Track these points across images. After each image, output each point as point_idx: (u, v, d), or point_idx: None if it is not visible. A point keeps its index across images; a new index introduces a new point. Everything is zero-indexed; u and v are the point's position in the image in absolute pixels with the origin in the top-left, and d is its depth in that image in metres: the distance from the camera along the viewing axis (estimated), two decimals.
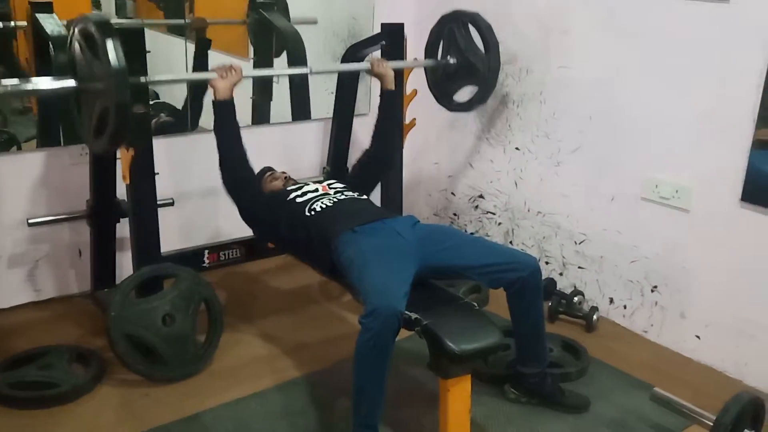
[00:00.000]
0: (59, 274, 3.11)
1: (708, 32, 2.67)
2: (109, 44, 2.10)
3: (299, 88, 3.62)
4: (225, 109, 2.55)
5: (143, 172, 2.60)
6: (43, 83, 2.25)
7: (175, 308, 2.54)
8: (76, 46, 2.25)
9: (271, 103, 3.61)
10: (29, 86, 2.28)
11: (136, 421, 2.35)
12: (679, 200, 2.85)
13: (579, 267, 3.27)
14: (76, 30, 2.23)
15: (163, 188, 2.77)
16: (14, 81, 2.23)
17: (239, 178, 2.62)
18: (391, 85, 2.85)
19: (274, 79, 3.60)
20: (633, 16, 2.90)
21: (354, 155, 3.55)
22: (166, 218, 2.80)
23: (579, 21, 3.11)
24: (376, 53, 3.14)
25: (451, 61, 3.15)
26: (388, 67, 2.85)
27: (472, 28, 3.09)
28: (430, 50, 3.21)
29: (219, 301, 2.74)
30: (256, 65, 3.50)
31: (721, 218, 2.73)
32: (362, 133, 3.62)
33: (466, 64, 3.11)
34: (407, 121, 3.32)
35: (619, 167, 3.04)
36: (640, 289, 3.04)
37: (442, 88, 3.25)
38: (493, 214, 3.64)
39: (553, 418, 2.45)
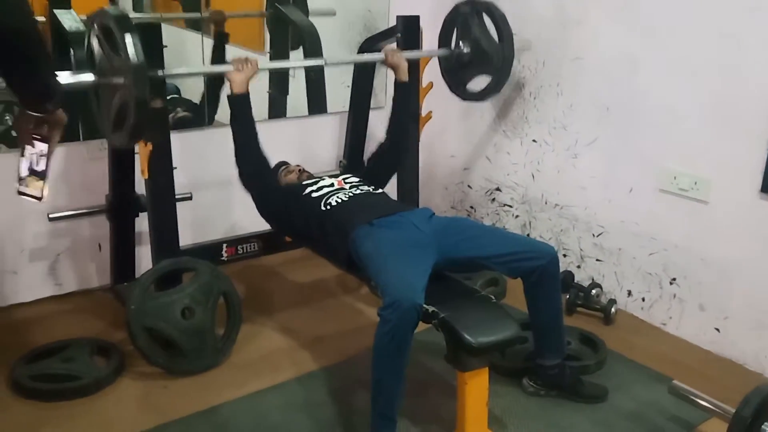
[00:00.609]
0: (80, 268, 3.15)
1: (726, 22, 2.64)
2: (128, 39, 2.12)
3: (315, 82, 3.62)
4: (241, 103, 2.56)
5: (161, 166, 2.62)
6: (63, 78, 2.26)
7: (194, 301, 2.56)
8: (95, 40, 2.27)
9: (288, 97, 3.62)
10: None
11: (155, 413, 2.38)
12: (698, 192, 2.83)
13: (597, 259, 3.25)
14: (95, 24, 2.25)
15: (181, 182, 2.79)
16: None
17: (255, 172, 2.64)
18: (405, 76, 2.85)
19: (291, 73, 3.61)
20: (649, 6, 2.88)
21: (371, 148, 3.56)
22: (184, 212, 2.82)
23: (594, 11, 3.09)
24: (392, 45, 3.13)
25: (465, 50, 3.13)
26: (402, 58, 2.85)
27: (486, 18, 3.08)
28: (443, 39, 3.20)
29: (237, 294, 2.76)
30: (272, 59, 3.51)
31: (740, 210, 2.71)
32: (378, 126, 3.62)
33: (480, 53, 3.09)
34: (423, 113, 3.32)
35: (637, 159, 3.02)
36: (658, 281, 3.02)
37: (455, 76, 3.23)
38: (510, 206, 3.63)
39: (571, 411, 2.45)
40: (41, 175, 1.56)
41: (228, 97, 2.57)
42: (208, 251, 2.88)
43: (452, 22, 3.16)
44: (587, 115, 3.19)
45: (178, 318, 2.53)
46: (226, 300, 2.70)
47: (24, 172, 1.55)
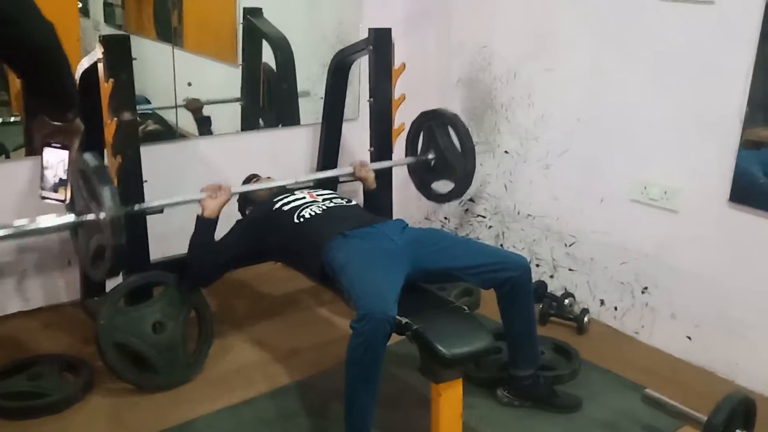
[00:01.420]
0: (48, 282, 3.10)
1: (694, 33, 2.68)
2: (106, 192, 2.24)
3: (288, 94, 3.61)
4: (207, 227, 2.58)
5: (131, 179, 2.59)
6: (46, 221, 2.38)
7: (165, 316, 2.53)
8: (74, 183, 2.35)
9: (260, 108, 3.61)
10: (32, 226, 2.37)
11: (126, 430, 2.34)
12: (668, 201, 2.86)
13: (569, 269, 3.27)
14: (75, 168, 2.35)
15: (151, 195, 2.76)
16: (22, 221, 2.37)
17: (202, 283, 2.69)
18: (373, 185, 2.95)
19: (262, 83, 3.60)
20: (618, 18, 2.91)
21: (343, 159, 3.56)
22: (155, 226, 2.78)
23: (565, 23, 3.12)
24: (360, 160, 3.10)
25: (430, 156, 3.28)
26: (370, 171, 2.96)
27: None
28: (411, 141, 3.33)
29: (209, 308, 2.74)
30: (244, 71, 3.50)
31: (709, 219, 2.74)
32: (351, 137, 3.63)
33: (444, 161, 3.24)
34: (396, 125, 3.32)
35: (608, 169, 3.05)
36: (630, 290, 3.05)
37: (421, 177, 3.37)
38: (484, 217, 3.65)
39: (545, 421, 2.45)
40: (64, 182, 1.65)
41: (198, 217, 2.59)
42: (179, 265, 2.84)
43: (419, 128, 3.29)
44: (558, 126, 3.21)
45: (149, 333, 2.50)
46: (198, 314, 2.68)
47: (49, 180, 1.64)
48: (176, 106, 3.27)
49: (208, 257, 2.58)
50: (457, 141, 3.19)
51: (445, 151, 3.23)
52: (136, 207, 2.54)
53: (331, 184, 3.17)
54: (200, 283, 2.68)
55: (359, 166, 2.96)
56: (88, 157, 2.33)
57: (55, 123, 1.62)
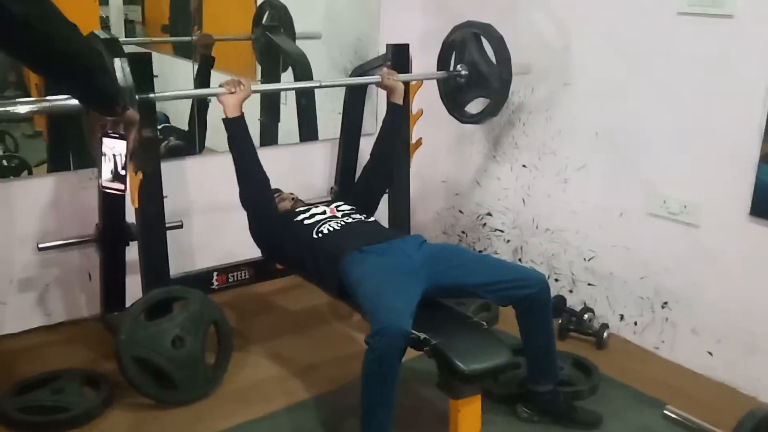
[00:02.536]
0: (69, 297, 3.13)
1: (713, 47, 2.67)
2: (117, 64, 2.22)
3: (306, 109, 3.64)
4: (236, 126, 2.52)
5: (152, 195, 2.61)
6: (58, 100, 2.24)
7: (184, 331, 2.54)
8: None
9: (279, 123, 3.63)
10: (44, 104, 2.31)
11: None
12: (688, 215, 2.84)
13: (588, 284, 3.25)
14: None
15: (171, 211, 2.79)
16: (30, 99, 2.42)
17: (256, 193, 2.59)
18: (400, 99, 2.85)
19: (282, 99, 3.63)
20: (636, 32, 2.91)
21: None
22: (174, 240, 2.81)
23: (582, 38, 3.12)
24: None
25: (463, 72, 3.13)
26: (398, 80, 2.86)
27: (484, 40, 3.08)
28: (442, 60, 3.20)
29: (228, 322, 2.75)
30: None
31: (730, 233, 2.72)
32: (369, 152, 3.64)
33: (478, 75, 3.09)
34: (414, 140, 3.33)
35: (627, 183, 3.03)
36: (650, 305, 3.02)
37: (453, 98, 3.23)
38: (502, 231, 3.64)
39: None
40: (122, 173, 1.71)
41: (223, 120, 2.53)
42: (199, 280, 2.87)
43: (451, 44, 3.16)
44: (576, 141, 3.21)
45: (169, 348, 2.51)
46: (217, 329, 2.69)
47: (108, 171, 1.69)
48: (197, 123, 3.30)
49: (252, 157, 2.53)
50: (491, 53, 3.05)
51: (478, 65, 3.07)
52: (150, 95, 2.46)
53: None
54: (249, 185, 2.56)
55: (386, 73, 2.87)
56: (99, 32, 2.36)
57: (107, 117, 1.66)
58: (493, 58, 3.04)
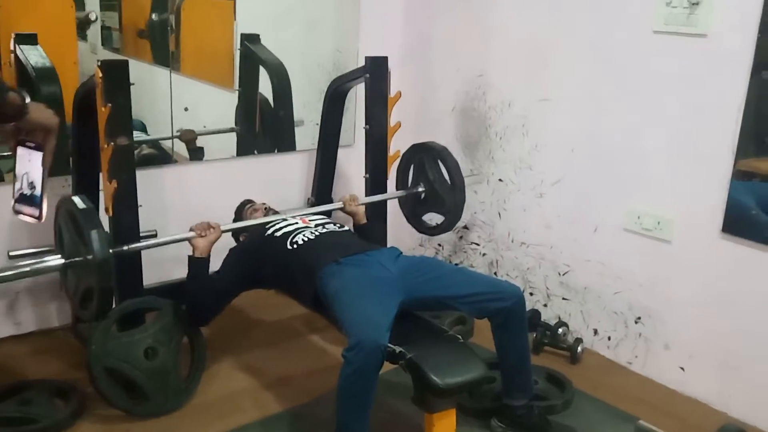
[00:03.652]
0: (40, 307, 3.08)
1: (687, 65, 2.71)
2: (94, 236, 2.29)
3: (284, 120, 3.63)
4: (201, 266, 2.58)
5: (126, 204, 2.59)
6: (35, 265, 2.45)
7: (157, 342, 2.51)
8: (63, 224, 2.44)
9: (255, 134, 3.62)
10: (23, 269, 2.44)
11: None
12: (661, 231, 2.87)
13: (563, 298, 3.27)
14: (63, 210, 2.44)
15: (146, 220, 2.76)
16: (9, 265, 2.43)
17: (206, 318, 2.66)
18: (363, 220, 2.97)
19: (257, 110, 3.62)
20: (612, 49, 2.94)
21: (338, 186, 3.57)
22: (148, 250, 2.78)
23: (559, 54, 3.15)
24: (350, 194, 3.12)
25: (420, 189, 3.31)
26: (360, 205, 2.98)
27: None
28: (401, 175, 3.36)
29: (202, 334, 2.72)
30: (241, 96, 3.51)
31: (702, 249, 2.75)
32: (347, 163, 3.65)
33: (434, 194, 3.27)
34: (391, 152, 3.34)
35: (602, 198, 3.06)
36: (624, 320, 3.05)
37: (411, 209, 3.40)
38: (478, 245, 3.65)
39: None
40: (37, 194, 1.34)
41: (189, 258, 2.59)
42: (173, 290, 2.83)
43: (409, 161, 3.32)
44: (552, 156, 3.23)
45: (141, 359, 2.48)
46: (190, 340, 2.67)
47: (23, 190, 1.34)
48: (172, 134, 3.27)
49: (207, 297, 2.58)
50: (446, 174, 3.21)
51: (434, 184, 3.26)
52: (126, 248, 2.54)
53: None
54: (204, 322, 2.67)
55: (349, 200, 2.99)
56: (77, 200, 2.37)
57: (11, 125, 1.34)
58: (448, 179, 3.20)
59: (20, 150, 1.34)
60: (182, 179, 3.28)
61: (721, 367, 2.75)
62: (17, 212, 1.36)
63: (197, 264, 2.58)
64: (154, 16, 3.28)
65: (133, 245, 2.58)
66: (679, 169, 2.79)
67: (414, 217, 3.41)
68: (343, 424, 2.08)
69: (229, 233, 2.84)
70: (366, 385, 2.02)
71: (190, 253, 2.59)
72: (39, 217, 1.35)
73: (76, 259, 2.41)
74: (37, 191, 1.33)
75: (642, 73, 2.85)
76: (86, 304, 2.44)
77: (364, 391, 2.03)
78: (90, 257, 2.31)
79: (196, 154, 3.38)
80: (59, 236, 2.55)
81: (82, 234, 2.34)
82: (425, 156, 3.26)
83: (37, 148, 1.33)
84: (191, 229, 2.61)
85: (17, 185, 1.34)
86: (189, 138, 3.34)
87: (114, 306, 2.60)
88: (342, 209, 2.99)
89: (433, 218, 3.39)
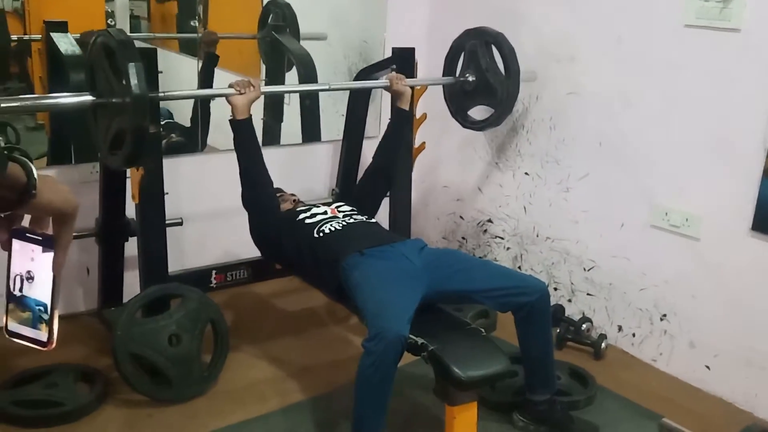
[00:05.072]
0: (66, 292, 3.11)
1: (719, 60, 2.67)
2: (132, 68, 2.07)
3: (310, 110, 3.64)
4: (244, 128, 2.49)
5: (152, 192, 2.61)
6: (63, 98, 2.26)
7: (181, 328, 2.53)
8: (97, 60, 2.20)
9: (282, 124, 3.63)
10: (49, 101, 2.29)
11: None
12: (689, 228, 2.83)
13: (588, 294, 3.24)
14: (98, 43, 2.18)
15: (172, 207, 2.78)
16: (34, 96, 2.24)
17: (258, 194, 2.58)
18: (407, 105, 2.83)
19: (285, 100, 3.62)
20: (641, 44, 2.90)
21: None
22: (174, 237, 2.80)
23: (588, 47, 3.11)
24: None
25: (470, 78, 3.09)
26: (407, 85, 2.82)
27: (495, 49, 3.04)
28: (449, 63, 3.16)
29: (225, 321, 2.74)
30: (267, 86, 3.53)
31: (731, 247, 2.71)
32: (371, 154, 3.63)
33: (485, 84, 3.06)
34: (417, 144, 3.33)
35: (629, 194, 3.03)
36: (649, 317, 3.02)
37: (458, 103, 3.19)
38: (502, 238, 3.63)
39: None
40: (45, 312, 0.91)
41: (230, 121, 2.50)
42: (197, 277, 2.86)
43: (459, 48, 3.12)
44: (580, 150, 3.20)
45: (165, 345, 2.50)
46: (214, 327, 2.68)
47: (23, 305, 0.93)
48: (199, 120, 3.29)
49: (257, 160, 2.50)
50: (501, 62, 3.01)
51: (486, 73, 3.02)
52: (159, 94, 2.40)
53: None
54: (252, 188, 2.54)
55: (395, 78, 2.82)
56: (113, 31, 2.15)
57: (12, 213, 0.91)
58: (502, 69, 3.02)
59: (17, 244, 0.92)
60: (208, 167, 3.30)
61: (747, 366, 2.71)
62: (12, 335, 0.95)
63: (240, 126, 2.47)
64: (182, 5, 3.31)
65: (165, 94, 2.44)
66: (709, 166, 2.75)
67: (460, 111, 3.18)
68: (360, 414, 2.09)
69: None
70: (385, 375, 2.02)
71: (230, 117, 2.48)
72: (47, 344, 0.94)
73: (113, 100, 2.16)
74: (43, 312, 0.92)
75: (672, 67, 2.81)
76: (116, 150, 2.22)
77: (383, 382, 2.03)
78: (126, 96, 2.09)
79: (212, 61, 3.31)
80: (90, 75, 2.28)
81: (118, 69, 2.12)
82: (478, 42, 3.02)
83: (44, 244, 0.90)
84: (230, 86, 2.46)
85: (16, 300, 0.93)
86: (209, 39, 3.28)
87: (139, 293, 2.63)
88: (387, 88, 2.84)
89: (478, 113, 3.19)
